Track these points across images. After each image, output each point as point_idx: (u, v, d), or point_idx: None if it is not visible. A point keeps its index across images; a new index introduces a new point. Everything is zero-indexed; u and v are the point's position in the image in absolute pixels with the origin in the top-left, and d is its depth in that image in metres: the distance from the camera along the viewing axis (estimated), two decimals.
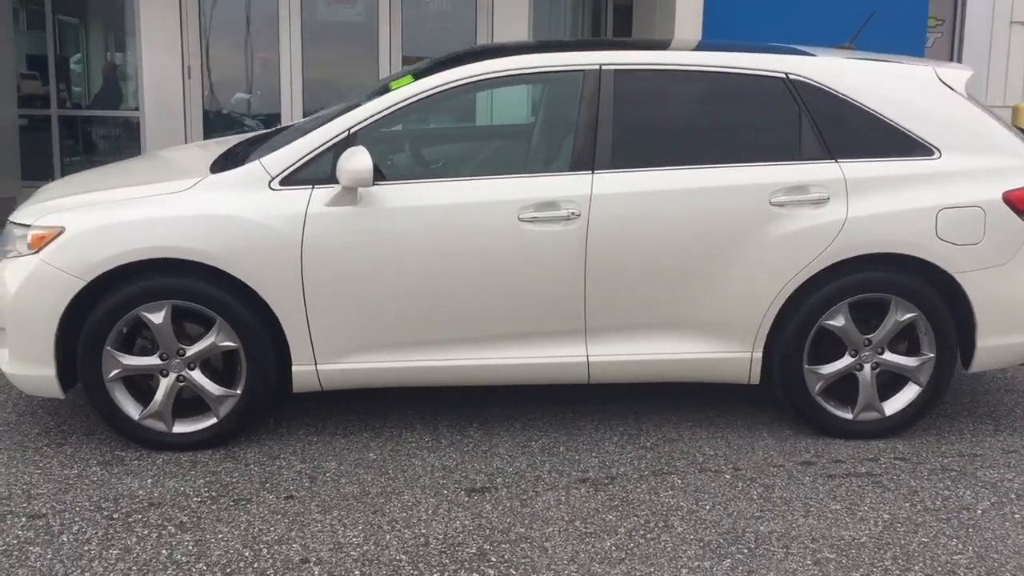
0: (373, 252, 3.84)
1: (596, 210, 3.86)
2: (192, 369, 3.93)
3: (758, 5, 7.70)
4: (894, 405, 4.12)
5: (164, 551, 3.22)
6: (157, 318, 3.85)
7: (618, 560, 3.18)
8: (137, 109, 9.66)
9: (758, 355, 4.04)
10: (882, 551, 3.24)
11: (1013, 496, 3.64)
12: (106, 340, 3.86)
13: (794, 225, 3.91)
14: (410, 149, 4.07)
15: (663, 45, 4.21)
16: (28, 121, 9.92)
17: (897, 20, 8.54)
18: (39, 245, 3.85)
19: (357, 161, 3.68)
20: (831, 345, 4.07)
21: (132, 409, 3.96)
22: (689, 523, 3.43)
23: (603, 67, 4.01)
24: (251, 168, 3.90)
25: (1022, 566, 3.16)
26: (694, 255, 3.91)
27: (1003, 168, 4.01)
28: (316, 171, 3.87)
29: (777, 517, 3.47)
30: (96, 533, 3.33)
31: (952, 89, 4.09)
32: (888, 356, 4.07)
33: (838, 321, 4.01)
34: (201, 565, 3.14)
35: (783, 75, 4.04)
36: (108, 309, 3.84)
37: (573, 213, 3.85)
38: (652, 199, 3.90)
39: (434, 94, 3.94)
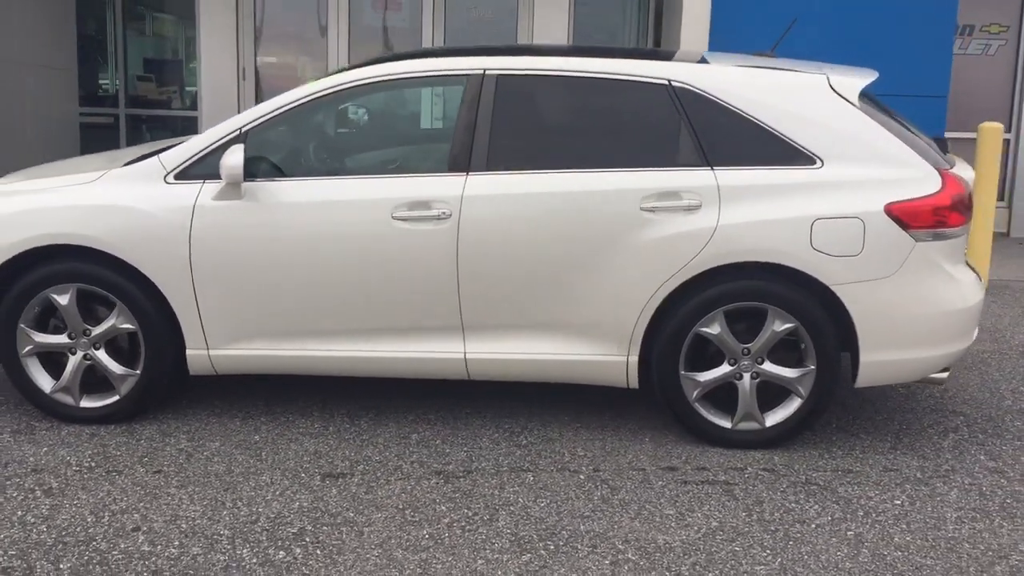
0: (254, 245, 4.04)
1: (467, 211, 3.97)
2: (97, 349, 4.22)
3: (764, 11, 7.59)
4: (775, 416, 4.07)
5: (20, 512, 3.50)
6: (63, 300, 4.16)
7: (423, 548, 3.28)
8: (196, 109, 10.23)
9: (634, 359, 4.05)
10: (686, 556, 3.24)
11: (861, 514, 3.56)
12: (19, 318, 4.19)
13: (665, 231, 3.92)
14: (298, 148, 4.26)
15: (564, 52, 4.26)
16: (101, 119, 10.64)
17: (923, 24, 8.28)
18: None
19: (231, 158, 3.90)
20: (715, 353, 4.05)
21: (45, 383, 4.27)
22: (514, 518, 3.49)
23: (487, 72, 4.11)
24: (150, 163, 4.16)
25: None
26: (565, 257, 3.96)
27: (890, 179, 3.92)
28: (207, 167, 4.10)
29: (604, 518, 3.50)
30: None
31: (843, 98, 4.02)
32: (767, 366, 4.02)
33: (714, 329, 3.99)
34: (43, 527, 3.39)
35: (666, 82, 4.04)
36: (21, 290, 4.16)
37: (444, 213, 3.96)
38: (522, 201, 3.97)
39: (323, 96, 4.12)
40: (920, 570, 3.19)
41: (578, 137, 4.11)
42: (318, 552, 3.26)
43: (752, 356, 4.01)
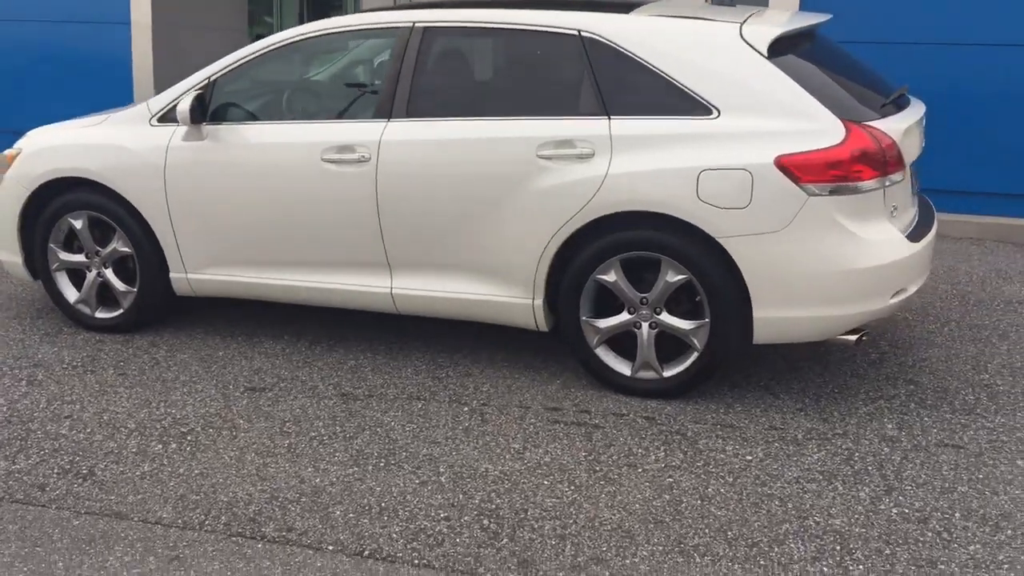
0: (212, 182, 4.56)
1: (384, 155, 4.27)
2: (106, 268, 4.94)
3: None
4: (674, 367, 4.10)
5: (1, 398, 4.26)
6: (79, 224, 4.90)
7: (272, 454, 3.69)
8: None
9: (539, 302, 4.21)
10: (493, 483, 3.44)
11: (700, 464, 3.56)
12: (49, 238, 4.98)
13: (559, 179, 4.03)
14: (253, 95, 4.69)
15: (489, 4, 4.42)
16: None
17: None
18: (9, 162, 5.05)
19: (182, 104, 4.44)
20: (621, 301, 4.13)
21: (71, 295, 5.06)
22: (371, 438, 3.81)
23: (415, 24, 4.35)
24: (140, 108, 4.78)
25: (559, 508, 3.21)
26: (469, 201, 4.17)
27: (786, 131, 3.79)
28: None
29: (449, 445, 3.74)
30: None
31: (752, 47, 3.91)
32: (664, 317, 4.05)
33: (610, 277, 4.06)
34: (5, 407, 4.13)
35: (576, 32, 4.11)
36: (48, 215, 4.94)
37: (364, 156, 4.29)
38: (431, 147, 4.21)
39: (275, 49, 4.55)
40: (703, 518, 3.21)
41: (492, 86, 4.28)
42: (186, 448, 3.75)
43: (650, 306, 4.05)
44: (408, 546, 3.08)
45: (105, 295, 5.01)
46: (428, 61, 4.31)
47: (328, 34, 4.52)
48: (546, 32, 4.17)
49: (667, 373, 4.10)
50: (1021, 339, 4.84)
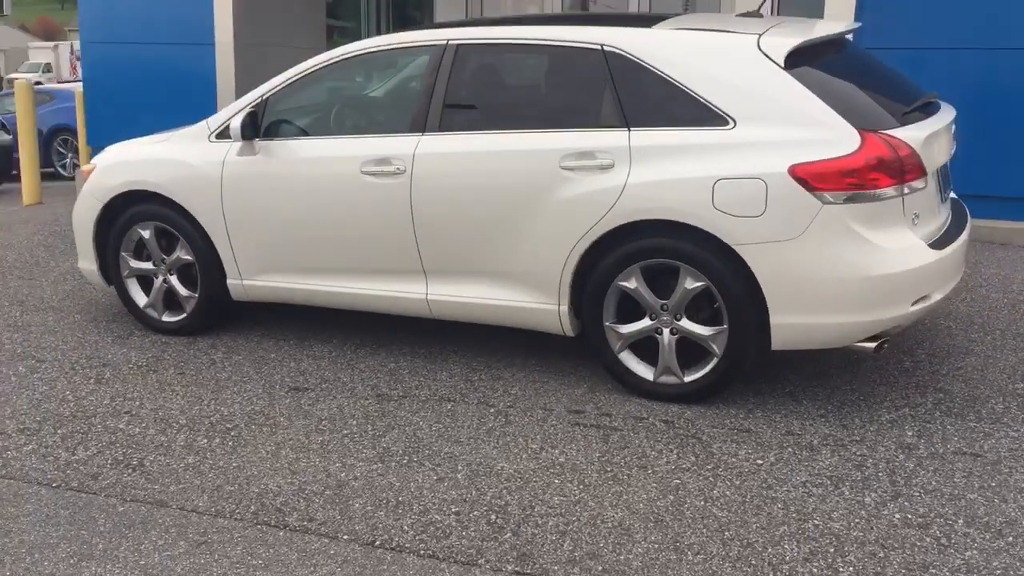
0: (262, 194, 4.85)
1: (418, 167, 4.48)
2: (171, 275, 5.29)
3: None
4: (694, 372, 4.19)
5: (68, 391, 4.62)
6: (146, 234, 5.26)
7: (306, 449, 3.93)
8: None
9: (564, 308, 4.35)
10: (506, 481, 3.59)
11: (710, 467, 3.65)
12: (120, 247, 5.36)
13: (581, 188, 4.17)
14: (302, 112, 4.94)
15: (519, 21, 4.59)
16: None
17: None
18: (86, 177, 5.45)
19: (234, 122, 4.74)
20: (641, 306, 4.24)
21: (140, 299, 5.43)
22: (399, 436, 4.02)
23: (449, 42, 4.56)
24: (200, 125, 5.11)
25: (568, 505, 3.33)
26: (497, 211, 4.35)
27: (800, 141, 3.85)
28: None
29: (471, 444, 3.91)
30: (62, 373, 4.82)
31: (769, 58, 3.98)
32: (684, 323, 4.15)
33: (631, 283, 4.18)
34: (72, 403, 4.47)
35: (599, 47, 4.25)
36: (120, 226, 5.32)
37: (400, 169, 4.51)
38: (462, 159, 4.40)
39: (321, 68, 4.81)
40: (704, 519, 3.30)
41: (520, 100, 4.44)
42: (229, 443, 4.02)
43: (671, 312, 4.15)
44: (417, 537, 3.26)
45: (171, 300, 5.35)
46: (460, 77, 4.51)
47: (370, 53, 4.76)
48: (570, 47, 4.32)
49: (688, 378, 4.19)
50: None
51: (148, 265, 5.33)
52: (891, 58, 6.85)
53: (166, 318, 5.36)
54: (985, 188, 6.94)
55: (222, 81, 9.60)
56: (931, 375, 4.48)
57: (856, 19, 7.09)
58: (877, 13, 7.09)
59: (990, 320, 5.21)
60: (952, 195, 4.74)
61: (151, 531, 3.37)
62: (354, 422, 4.17)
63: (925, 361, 4.66)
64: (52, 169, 14.38)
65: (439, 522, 3.35)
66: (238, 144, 4.92)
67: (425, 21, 12.32)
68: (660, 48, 4.14)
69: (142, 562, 3.17)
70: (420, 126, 4.53)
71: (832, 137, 3.83)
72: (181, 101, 9.64)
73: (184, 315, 5.31)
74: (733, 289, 3.99)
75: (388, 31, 12.70)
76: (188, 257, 5.18)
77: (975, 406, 4.13)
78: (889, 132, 3.87)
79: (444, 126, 4.49)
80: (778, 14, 9.81)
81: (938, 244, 4.07)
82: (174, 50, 9.83)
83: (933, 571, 2.97)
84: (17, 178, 10.75)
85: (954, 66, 6.94)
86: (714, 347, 4.10)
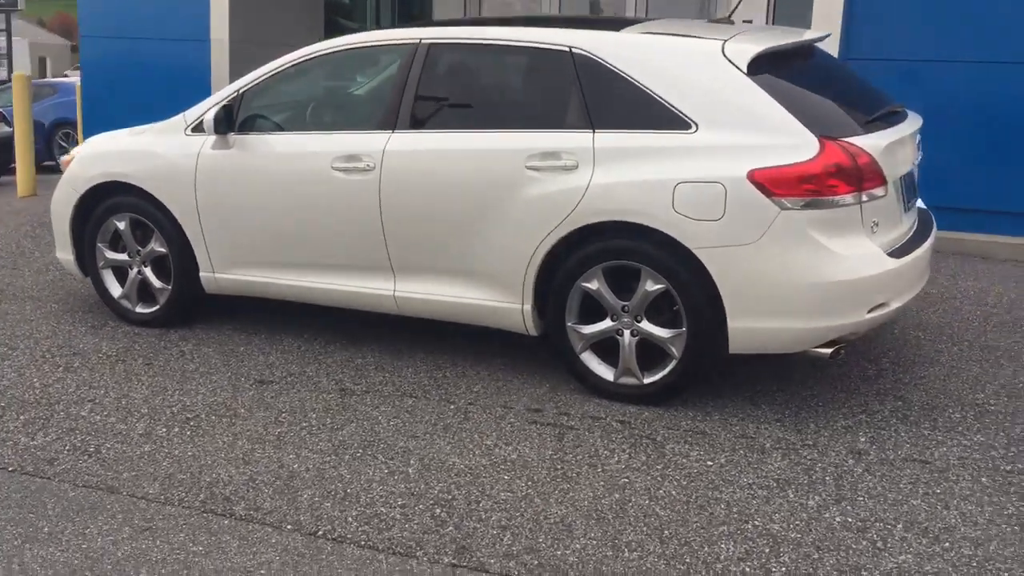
0: (235, 188, 4.89)
1: (387, 164, 4.51)
2: (145, 266, 5.33)
3: None
4: (654, 374, 4.21)
5: (36, 378, 4.66)
6: (122, 225, 5.30)
7: (262, 441, 3.96)
8: None
9: (528, 308, 4.38)
10: (456, 475, 3.62)
11: (660, 467, 3.67)
12: (97, 238, 5.40)
13: (545, 188, 4.20)
14: (276, 107, 4.98)
15: (490, 22, 4.62)
16: None
17: None
18: (65, 167, 5.49)
19: (208, 116, 4.78)
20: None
21: (115, 291, 5.47)
22: (355, 430, 4.04)
23: (422, 41, 4.59)
24: (177, 118, 5.15)
25: (509, 499, 3.35)
26: (463, 209, 4.37)
27: (760, 146, 3.88)
28: None
29: (425, 440, 3.94)
30: (32, 361, 4.85)
31: (733, 64, 4.01)
32: (644, 325, 4.17)
33: (593, 284, 4.20)
34: (39, 390, 4.51)
35: (568, 49, 4.28)
36: (96, 217, 5.36)
37: (369, 165, 4.54)
38: (430, 157, 4.43)
39: (295, 65, 4.85)
40: (646, 517, 3.32)
41: (489, 99, 4.47)
42: (187, 433, 4.05)
43: (631, 314, 4.17)
44: (360, 529, 3.29)
45: (145, 292, 5.38)
46: (431, 76, 4.54)
47: (345, 50, 4.80)
48: (540, 48, 4.35)
49: (647, 380, 4.21)
50: None
51: (123, 256, 5.37)
52: (877, 69, 6.90)
53: (140, 309, 5.40)
54: (967, 201, 6.95)
55: (216, 78, 9.65)
56: (893, 383, 4.49)
57: (844, 30, 7.11)
58: (865, 24, 7.11)
59: (960, 331, 5.21)
60: (920, 204, 4.75)
61: (98, 516, 3.40)
62: (314, 415, 4.20)
63: (889, 369, 4.67)
64: (54, 162, 14.46)
65: (384, 514, 3.37)
66: (213, 138, 4.95)
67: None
68: (627, 51, 4.17)
69: (84, 546, 3.20)
70: (391, 123, 4.56)
71: (792, 143, 3.85)
72: (177, 97, 9.61)
73: (158, 307, 5.34)
74: (692, 292, 4.01)
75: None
76: (162, 249, 5.22)
77: (932, 415, 4.14)
78: (849, 140, 3.89)
79: (414, 124, 4.52)
80: (774, 23, 9.85)
81: (898, 252, 4.08)
82: (171, 46, 9.90)
83: (865, 573, 2.98)
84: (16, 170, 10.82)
85: (940, 78, 6.95)
86: (673, 349, 4.12)
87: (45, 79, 18.32)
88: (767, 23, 9.81)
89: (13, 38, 28.52)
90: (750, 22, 4.62)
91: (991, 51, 6.82)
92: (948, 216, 6.80)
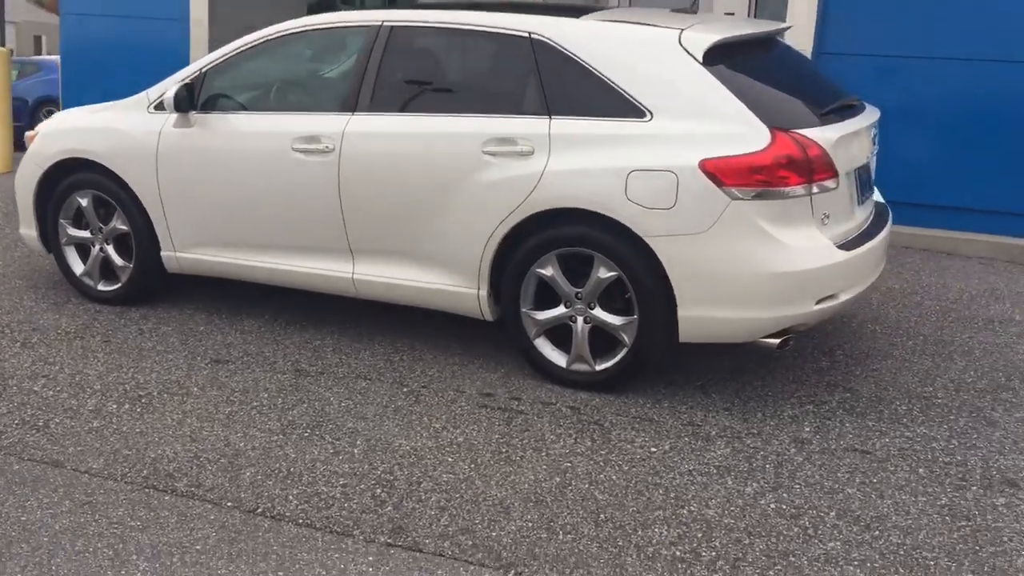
0: (195, 167, 4.89)
1: (346, 146, 4.52)
2: (108, 244, 5.33)
3: None
4: (606, 361, 4.23)
5: None
6: (84, 202, 5.29)
7: (211, 419, 3.97)
8: None
9: (484, 293, 4.39)
10: (401, 457, 3.64)
11: (604, 452, 3.70)
12: (59, 214, 5.39)
13: (501, 174, 4.21)
14: (239, 86, 4.98)
15: (451, 6, 4.62)
16: None
17: None
18: (29, 143, 5.48)
19: (167, 95, 4.77)
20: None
21: (77, 268, 5.46)
22: (306, 411, 4.06)
23: (383, 23, 4.59)
24: (140, 96, 5.14)
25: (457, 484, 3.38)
26: (421, 193, 4.39)
27: (714, 135, 3.90)
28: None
29: (375, 422, 3.96)
30: None
31: (689, 53, 4.02)
32: (597, 312, 4.19)
33: (547, 271, 4.22)
34: None
35: (527, 35, 4.29)
36: (58, 193, 5.35)
37: (328, 147, 4.55)
38: (388, 140, 4.44)
39: (257, 44, 4.85)
40: (584, 501, 3.35)
41: (449, 83, 4.48)
42: (138, 410, 4.06)
43: (584, 301, 4.19)
44: (299, 507, 3.31)
45: (107, 269, 5.38)
46: (392, 58, 4.54)
47: (308, 31, 4.80)
48: (500, 34, 4.36)
49: (599, 367, 4.23)
50: (983, 357, 4.80)
51: (86, 234, 5.37)
52: (850, 64, 6.92)
53: (102, 287, 5.40)
54: (935, 197, 6.99)
55: (196, 58, 9.58)
56: (844, 375, 4.53)
57: (818, 25, 7.13)
58: (839, 19, 7.12)
59: (917, 326, 5.25)
60: (877, 198, 4.79)
61: (40, 489, 3.41)
62: (265, 395, 4.21)
63: (842, 362, 4.70)
64: None
65: (324, 493, 3.40)
66: (175, 116, 4.95)
67: None
68: (584, 38, 4.18)
69: (23, 518, 3.22)
70: (351, 105, 4.57)
71: (743, 133, 3.87)
72: (155, 75, 9.62)
73: (119, 284, 5.34)
74: (643, 280, 4.03)
75: None
76: (124, 227, 5.22)
77: (878, 406, 4.18)
78: (801, 131, 3.91)
79: (374, 106, 4.52)
80: (755, 16, 9.85)
81: (850, 245, 4.11)
82: (150, 24, 9.86)
83: (792, 559, 3.02)
84: None
85: (911, 74, 6.98)
86: (624, 337, 4.15)
87: (30, 57, 18.21)
88: (748, 16, 9.82)
89: None
90: (732, 14, 4.61)
91: (963, 48, 6.84)
92: (916, 212, 6.87)
